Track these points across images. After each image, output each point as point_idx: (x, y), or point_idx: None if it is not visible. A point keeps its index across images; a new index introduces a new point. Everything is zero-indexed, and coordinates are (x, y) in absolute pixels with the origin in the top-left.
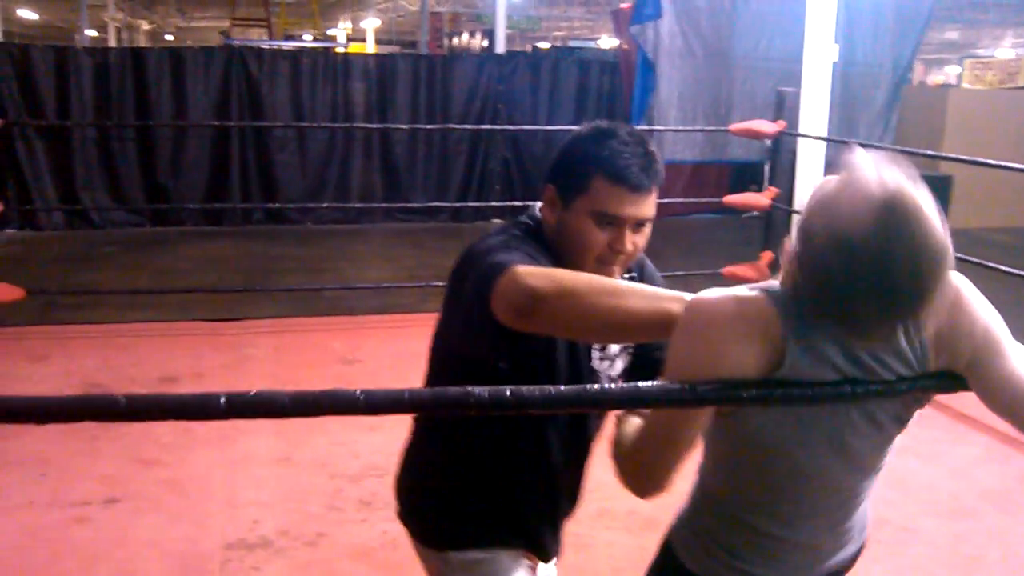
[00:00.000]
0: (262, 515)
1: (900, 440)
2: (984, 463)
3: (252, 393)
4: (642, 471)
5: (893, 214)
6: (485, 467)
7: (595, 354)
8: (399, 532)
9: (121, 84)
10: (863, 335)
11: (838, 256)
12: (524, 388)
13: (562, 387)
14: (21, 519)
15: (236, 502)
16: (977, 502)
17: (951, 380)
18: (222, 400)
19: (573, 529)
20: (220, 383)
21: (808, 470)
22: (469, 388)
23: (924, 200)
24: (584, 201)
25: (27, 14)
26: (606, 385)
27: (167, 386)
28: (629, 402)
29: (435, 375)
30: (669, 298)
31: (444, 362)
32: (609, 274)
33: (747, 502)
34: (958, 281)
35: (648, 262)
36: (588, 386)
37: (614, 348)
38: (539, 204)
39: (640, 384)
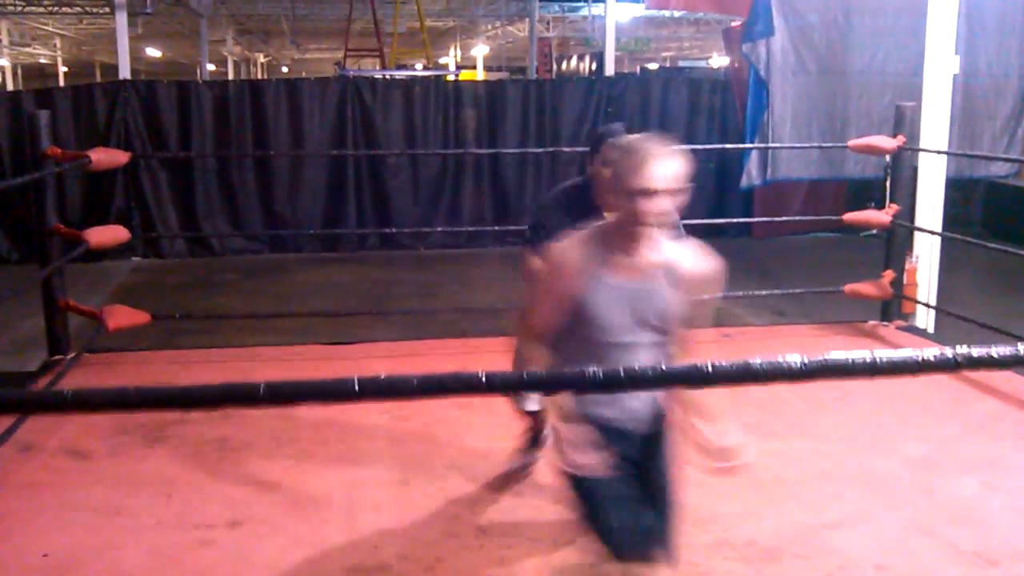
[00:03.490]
0: (381, 540)
1: None
2: None
3: (383, 376)
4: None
5: None
6: None
7: None
8: (515, 558)
9: (240, 115)
10: None
11: None
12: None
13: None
14: (149, 539)
15: (356, 526)
16: None
17: None
18: (355, 383)
19: (691, 558)
20: (339, 405)
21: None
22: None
23: None
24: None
25: (152, 51)
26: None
27: (286, 408)
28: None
29: None
30: None
31: None
32: None
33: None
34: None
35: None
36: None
37: None
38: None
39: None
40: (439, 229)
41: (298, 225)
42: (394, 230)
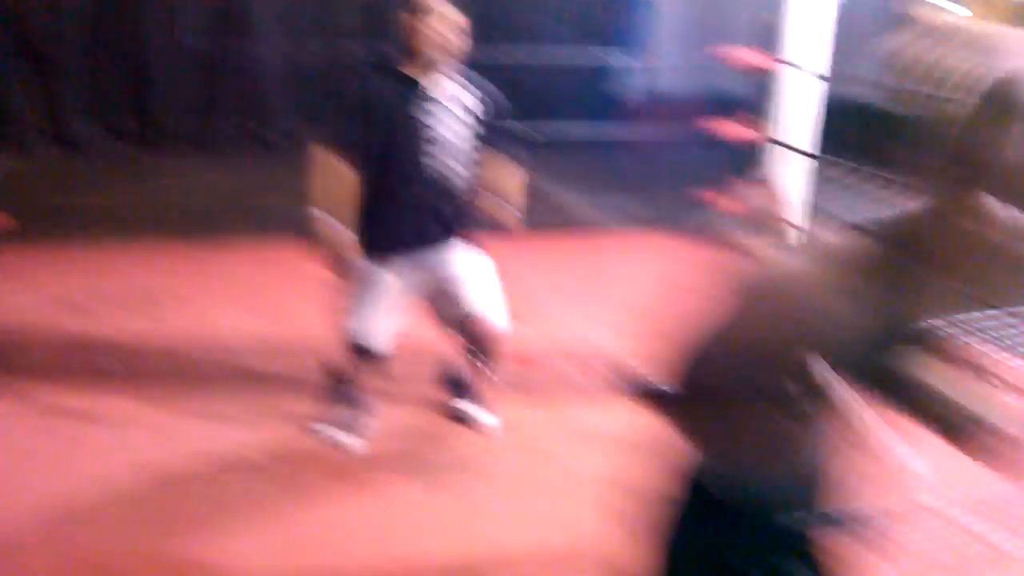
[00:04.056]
0: (244, 435)
1: None
2: None
3: None
4: None
5: None
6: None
7: (418, 107)
8: (375, 454)
9: (109, 3)
10: None
11: None
12: None
13: None
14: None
15: (216, 418)
16: None
17: None
18: None
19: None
20: (199, 303)
21: None
22: None
23: None
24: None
25: None
26: None
27: (146, 306)
28: None
29: None
30: None
31: None
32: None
33: None
34: None
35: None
36: None
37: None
38: None
39: None
40: (318, 133)
41: (168, 122)
42: (270, 132)
